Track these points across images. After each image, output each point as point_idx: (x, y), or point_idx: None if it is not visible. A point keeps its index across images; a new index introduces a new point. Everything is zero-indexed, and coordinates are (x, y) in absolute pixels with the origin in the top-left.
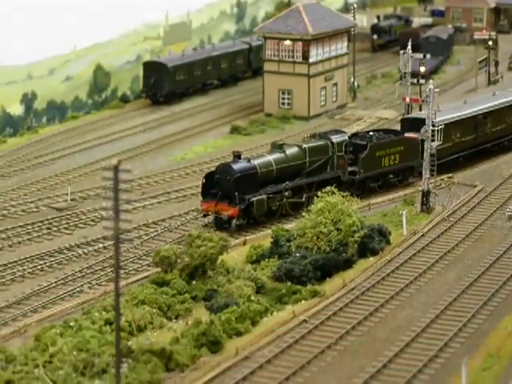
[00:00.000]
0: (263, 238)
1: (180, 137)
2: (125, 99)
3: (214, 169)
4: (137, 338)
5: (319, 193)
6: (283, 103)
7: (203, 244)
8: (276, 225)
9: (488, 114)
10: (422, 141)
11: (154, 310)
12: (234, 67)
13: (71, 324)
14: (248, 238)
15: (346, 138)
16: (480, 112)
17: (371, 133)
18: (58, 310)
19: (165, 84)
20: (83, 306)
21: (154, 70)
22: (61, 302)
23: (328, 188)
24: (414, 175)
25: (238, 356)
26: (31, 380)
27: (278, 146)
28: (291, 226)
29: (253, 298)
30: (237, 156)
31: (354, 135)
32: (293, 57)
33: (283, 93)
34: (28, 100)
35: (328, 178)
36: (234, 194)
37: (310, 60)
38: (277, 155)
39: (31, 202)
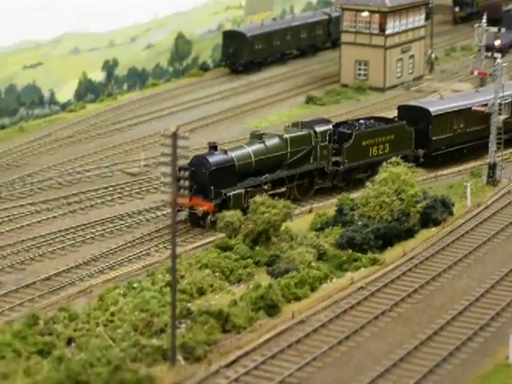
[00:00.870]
0: (329, 206)
1: (255, 106)
2: (204, 67)
3: None
4: (196, 300)
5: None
6: (359, 74)
7: (267, 210)
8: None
9: None
10: (416, 130)
11: (216, 274)
12: (314, 37)
13: (135, 285)
14: (314, 206)
15: (330, 126)
16: None
17: (361, 121)
18: (123, 272)
19: (243, 53)
20: (148, 268)
21: (233, 39)
22: (127, 263)
23: (393, 159)
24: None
25: (294, 319)
26: (91, 338)
27: (257, 137)
28: (356, 195)
29: (313, 264)
30: (213, 147)
31: (342, 123)
32: (369, 28)
33: (359, 64)
34: (109, 67)
35: (311, 169)
36: (209, 188)
37: (387, 32)
38: (256, 146)
39: (106, 167)
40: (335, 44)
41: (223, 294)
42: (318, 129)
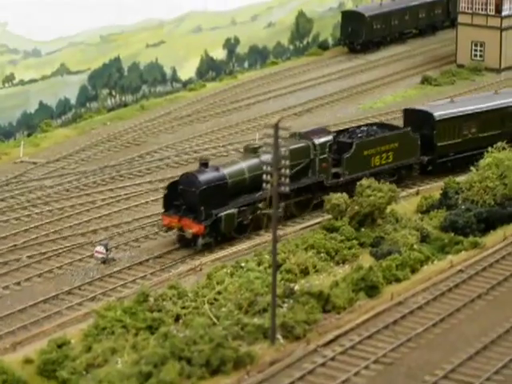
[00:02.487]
0: (436, 188)
1: (371, 86)
2: (324, 46)
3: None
4: (300, 281)
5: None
6: (475, 55)
7: (373, 194)
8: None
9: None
10: (422, 135)
11: (322, 255)
12: (432, 17)
13: (242, 265)
14: (421, 188)
15: (331, 137)
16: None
17: (363, 128)
18: (232, 252)
19: (362, 33)
20: (256, 248)
21: (351, 19)
22: (237, 243)
23: (499, 143)
24: (414, 174)
25: (393, 301)
26: (197, 315)
27: (251, 150)
28: (463, 178)
29: (415, 246)
30: (203, 164)
31: (342, 131)
32: (486, 10)
33: (475, 45)
34: (231, 45)
35: (309, 183)
36: (199, 208)
37: (503, 13)
38: (250, 161)
39: (222, 146)
40: (454, 23)
41: (326, 274)
42: (317, 140)
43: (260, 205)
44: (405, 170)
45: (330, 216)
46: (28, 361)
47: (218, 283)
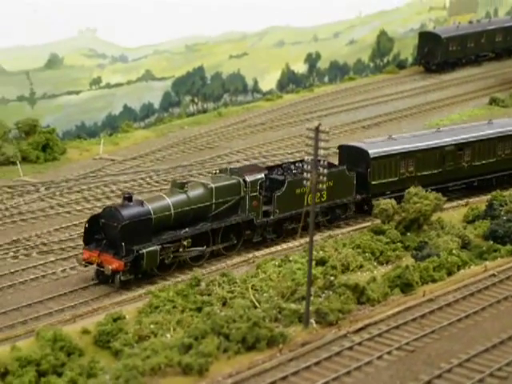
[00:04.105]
0: (485, 201)
1: (441, 104)
2: (401, 65)
3: None
4: (341, 276)
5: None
6: None
7: (419, 201)
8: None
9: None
10: (357, 173)
11: (366, 254)
12: (509, 41)
13: (290, 258)
14: (470, 200)
15: (263, 175)
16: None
17: (298, 164)
18: (285, 247)
19: (438, 53)
20: (305, 245)
21: (428, 39)
22: (290, 241)
23: None
24: (347, 214)
25: (424, 298)
26: (241, 299)
27: (178, 186)
28: (508, 192)
29: (454, 251)
30: (127, 198)
31: (276, 167)
32: None
33: None
34: (312, 60)
35: (237, 221)
36: (120, 244)
37: None
38: (177, 197)
39: (289, 154)
40: None
41: (369, 272)
42: (248, 178)
43: (185, 242)
44: (339, 210)
45: (378, 220)
46: (85, 331)
47: (263, 272)
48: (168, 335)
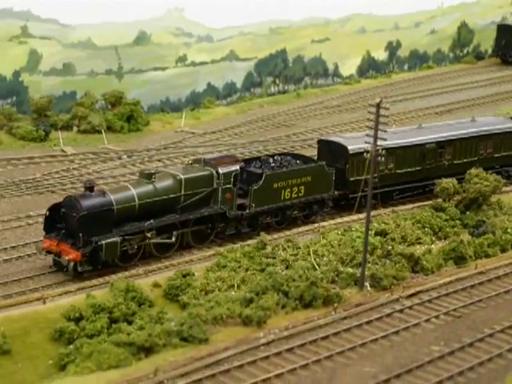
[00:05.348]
0: None
1: None
2: (479, 56)
3: None
4: (399, 246)
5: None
6: None
7: (479, 182)
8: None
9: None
10: (337, 170)
11: (426, 229)
12: None
13: (353, 229)
14: None
15: (237, 167)
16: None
17: (277, 157)
18: (350, 219)
19: None
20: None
21: (506, 32)
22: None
23: None
24: (325, 210)
25: (476, 270)
26: (301, 261)
27: (146, 176)
28: None
29: (509, 230)
30: (88, 188)
31: (254, 160)
32: None
33: None
34: (392, 48)
35: (208, 214)
36: (77, 234)
37: None
38: (142, 188)
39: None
40: None
41: (427, 246)
42: (221, 170)
43: (148, 234)
44: (317, 205)
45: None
46: (156, 285)
47: (325, 239)
48: (233, 292)
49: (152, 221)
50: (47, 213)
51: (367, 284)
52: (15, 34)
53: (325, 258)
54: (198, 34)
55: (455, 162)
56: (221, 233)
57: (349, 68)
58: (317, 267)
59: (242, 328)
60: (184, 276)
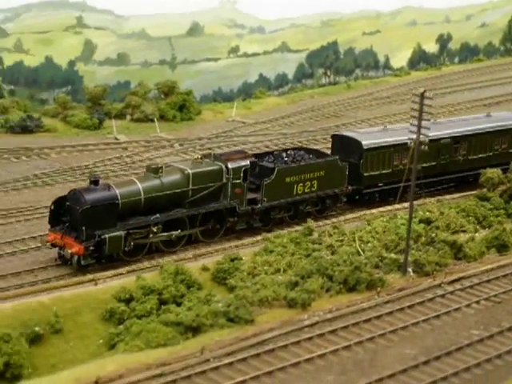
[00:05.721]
0: None
1: None
2: None
3: None
4: (439, 233)
5: None
6: None
7: None
8: None
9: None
10: (351, 165)
11: (470, 218)
12: None
13: (398, 216)
14: None
15: (247, 163)
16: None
17: (290, 151)
18: (394, 208)
19: None
20: (415, 206)
21: None
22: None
23: None
24: (338, 205)
25: None
26: (346, 246)
27: (153, 170)
28: None
29: None
30: (93, 182)
31: (267, 154)
32: None
33: None
34: (443, 40)
35: (217, 208)
36: (80, 228)
37: None
38: (149, 182)
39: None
40: None
41: (470, 234)
42: (231, 165)
43: (154, 228)
44: (330, 200)
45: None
46: (205, 268)
47: (371, 226)
48: (279, 276)
49: (158, 215)
50: (52, 206)
51: (410, 269)
52: (71, 24)
53: (369, 244)
54: (250, 25)
55: (470, 157)
56: (231, 228)
57: (399, 60)
58: (361, 253)
59: (287, 310)
60: (232, 260)
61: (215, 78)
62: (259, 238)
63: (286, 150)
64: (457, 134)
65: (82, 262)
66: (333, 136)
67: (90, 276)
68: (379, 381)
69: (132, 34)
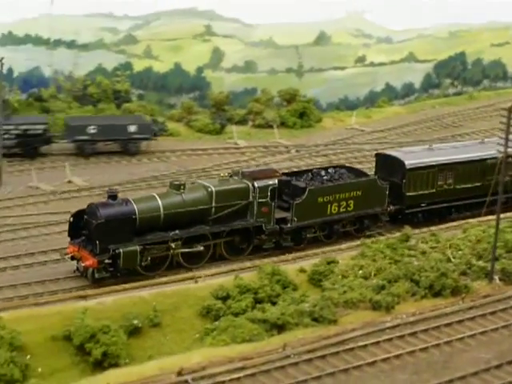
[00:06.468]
0: None
1: None
2: None
3: None
4: None
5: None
6: None
7: None
8: None
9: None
10: (392, 183)
11: None
12: None
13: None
14: None
15: (275, 181)
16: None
17: (331, 170)
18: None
19: None
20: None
21: None
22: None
23: None
24: (379, 224)
25: None
26: (436, 253)
27: (175, 187)
28: None
29: None
30: (111, 196)
31: (305, 172)
32: None
33: None
34: None
35: (241, 227)
36: (95, 242)
37: None
38: (170, 198)
39: None
40: None
41: None
42: (258, 183)
43: (173, 244)
44: (368, 220)
45: None
46: (302, 270)
47: (465, 234)
48: (369, 280)
49: (177, 231)
50: (71, 219)
51: (496, 277)
52: (199, 32)
53: (459, 252)
54: (377, 35)
55: None
56: (259, 246)
57: None
58: (452, 259)
59: (371, 312)
60: (328, 263)
61: (341, 86)
62: (358, 242)
63: (327, 168)
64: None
65: (96, 276)
66: (376, 155)
67: (190, 274)
68: (449, 382)
69: (259, 42)
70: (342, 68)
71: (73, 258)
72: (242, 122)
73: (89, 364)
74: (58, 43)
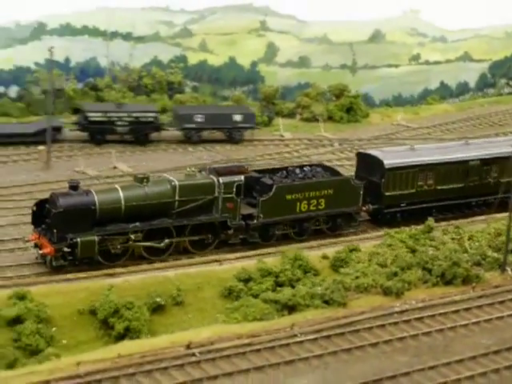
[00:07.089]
0: None
1: None
2: None
3: None
4: None
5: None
6: None
7: None
8: None
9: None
10: (371, 182)
11: None
12: None
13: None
14: None
15: (241, 178)
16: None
17: (306, 168)
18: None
19: None
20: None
21: None
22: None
23: None
24: (352, 224)
25: None
26: (452, 244)
27: (139, 180)
28: None
29: None
30: (72, 187)
31: (280, 170)
32: None
33: None
34: None
35: (204, 221)
36: (52, 230)
37: None
38: (132, 191)
39: None
40: None
41: None
42: (223, 179)
43: (133, 236)
44: (342, 219)
45: None
46: (325, 257)
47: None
48: (387, 268)
49: (138, 223)
50: (34, 208)
51: (509, 269)
52: (254, 27)
53: (477, 243)
54: (432, 34)
55: (502, 180)
56: (224, 241)
57: None
58: (469, 250)
59: (382, 297)
60: (350, 251)
61: (395, 84)
62: (382, 232)
63: (302, 166)
64: (486, 156)
65: (54, 263)
66: (357, 154)
67: (216, 256)
68: (446, 364)
69: (314, 38)
70: (397, 66)
71: (36, 246)
72: (291, 115)
73: (111, 338)
74: (114, 35)
